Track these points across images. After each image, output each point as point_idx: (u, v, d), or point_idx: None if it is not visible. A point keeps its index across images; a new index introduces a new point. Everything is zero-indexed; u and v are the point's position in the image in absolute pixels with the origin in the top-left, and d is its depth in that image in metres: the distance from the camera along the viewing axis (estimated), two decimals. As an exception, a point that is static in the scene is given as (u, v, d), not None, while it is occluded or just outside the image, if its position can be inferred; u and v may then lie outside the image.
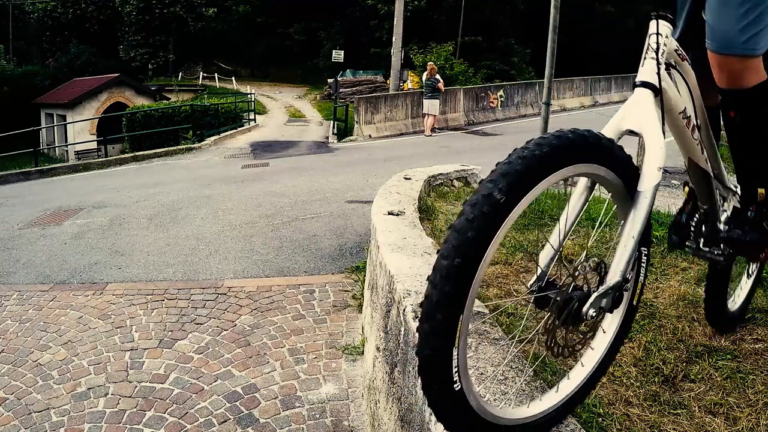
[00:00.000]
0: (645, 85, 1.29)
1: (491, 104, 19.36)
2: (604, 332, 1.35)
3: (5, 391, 3.00)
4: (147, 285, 4.39)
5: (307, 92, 35.45)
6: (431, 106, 15.05)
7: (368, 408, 2.55)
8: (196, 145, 15.72)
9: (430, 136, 15.06)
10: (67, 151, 23.04)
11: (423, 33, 29.37)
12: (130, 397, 2.88)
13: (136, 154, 15.12)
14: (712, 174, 1.66)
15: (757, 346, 1.91)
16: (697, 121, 1.52)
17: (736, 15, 1.34)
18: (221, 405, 2.78)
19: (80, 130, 23.88)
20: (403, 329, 1.91)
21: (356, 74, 30.61)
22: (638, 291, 1.34)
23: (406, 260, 2.42)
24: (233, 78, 37.61)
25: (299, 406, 2.75)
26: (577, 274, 1.19)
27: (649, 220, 1.25)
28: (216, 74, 37.80)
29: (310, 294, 4.05)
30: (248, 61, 43.19)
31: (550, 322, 1.18)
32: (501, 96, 19.82)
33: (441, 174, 4.43)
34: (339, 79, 28.54)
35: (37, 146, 18.24)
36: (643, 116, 1.26)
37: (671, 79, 1.38)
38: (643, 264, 1.33)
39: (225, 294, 4.11)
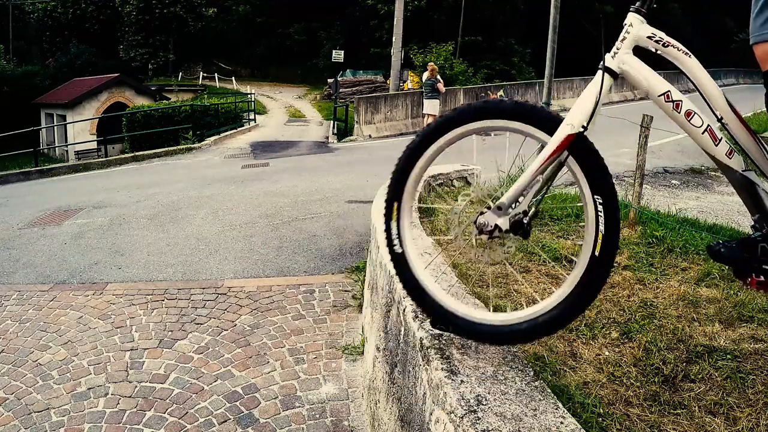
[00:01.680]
0: (602, 68, 1.48)
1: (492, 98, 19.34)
2: (567, 275, 1.50)
3: (5, 391, 3.00)
4: (147, 285, 4.38)
5: (307, 92, 35.45)
6: (431, 105, 15.04)
7: (368, 408, 2.54)
8: (196, 145, 15.72)
9: (430, 136, 15.05)
10: (67, 151, 23.04)
11: (423, 33, 29.37)
12: (130, 397, 2.88)
13: (136, 154, 15.11)
14: (744, 174, 1.47)
15: (757, 346, 1.91)
16: (715, 113, 1.49)
17: (754, 8, 1.44)
18: (221, 405, 2.78)
19: (80, 130, 23.88)
20: (403, 329, 1.91)
21: (356, 74, 30.60)
22: (599, 241, 1.43)
23: (406, 260, 2.41)
24: (233, 78, 37.60)
25: (299, 406, 2.75)
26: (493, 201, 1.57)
27: (605, 172, 1.44)
28: (216, 74, 37.79)
29: (310, 294, 4.05)
30: (248, 61, 43.19)
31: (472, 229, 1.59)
32: (501, 96, 19.80)
33: (441, 174, 4.42)
34: (339, 79, 28.54)
35: (37, 146, 18.23)
36: (588, 91, 1.47)
37: (640, 65, 1.49)
38: (600, 214, 1.43)
39: (225, 294, 4.11)
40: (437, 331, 1.70)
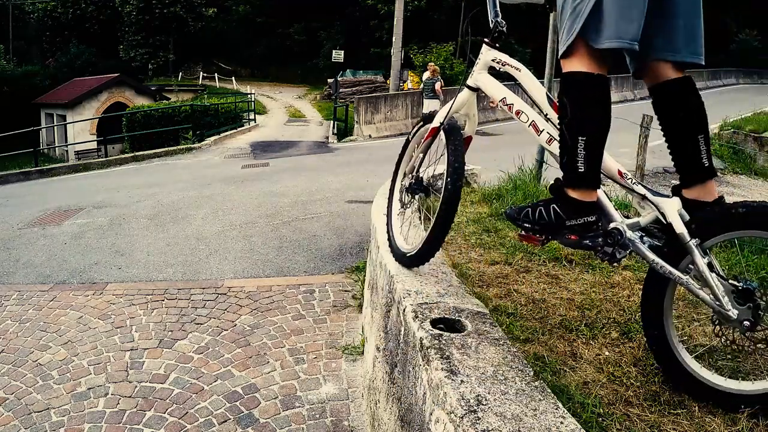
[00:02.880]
0: (465, 86, 2.11)
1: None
2: (435, 215, 2.06)
3: (5, 391, 3.00)
4: (147, 285, 4.39)
5: (307, 92, 35.45)
6: (431, 106, 15.03)
7: (368, 408, 2.55)
8: (196, 145, 15.72)
9: (430, 136, 15.02)
10: (67, 151, 23.04)
11: (423, 33, 29.38)
12: (130, 397, 2.88)
13: (136, 154, 15.11)
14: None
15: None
16: (539, 109, 1.93)
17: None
18: (221, 405, 2.78)
19: (80, 130, 23.88)
20: (403, 329, 1.91)
21: (356, 74, 30.59)
22: (447, 191, 1.98)
23: (406, 260, 2.41)
24: (233, 78, 37.61)
25: (299, 406, 2.75)
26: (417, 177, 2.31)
27: (458, 144, 2.03)
28: (216, 74, 37.80)
29: (310, 294, 4.05)
30: (248, 61, 43.19)
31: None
32: (501, 96, 19.77)
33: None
34: (339, 79, 28.54)
35: (37, 146, 18.22)
36: (451, 100, 2.14)
37: (489, 81, 2.06)
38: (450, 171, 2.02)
39: (225, 294, 4.11)
40: (437, 331, 1.70)
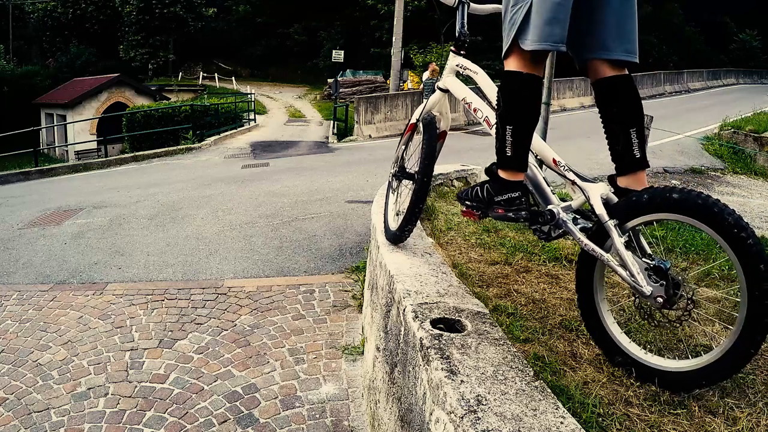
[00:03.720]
0: (437, 87, 2.44)
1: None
2: (409, 193, 2.43)
3: (5, 391, 3.00)
4: (147, 285, 4.39)
5: (307, 92, 35.46)
6: (431, 106, 14.99)
7: (368, 408, 2.55)
8: (196, 145, 15.71)
9: (430, 136, 14.97)
10: (67, 151, 23.05)
11: (423, 33, 29.37)
12: (130, 397, 2.88)
13: (136, 154, 15.11)
14: None
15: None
16: (493, 107, 2.11)
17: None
18: (221, 405, 2.78)
19: (80, 130, 23.89)
20: (403, 329, 1.91)
21: (356, 74, 30.62)
22: (418, 177, 2.33)
23: (406, 260, 2.42)
24: (233, 78, 37.62)
25: (299, 406, 2.75)
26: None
27: (432, 135, 2.33)
28: (216, 74, 37.81)
29: (310, 294, 4.05)
30: (248, 61, 43.20)
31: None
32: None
33: (441, 174, 4.42)
34: (339, 79, 28.55)
35: (37, 146, 18.23)
36: (426, 100, 2.49)
37: (454, 83, 2.37)
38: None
39: (225, 294, 4.11)
40: (437, 331, 1.70)
